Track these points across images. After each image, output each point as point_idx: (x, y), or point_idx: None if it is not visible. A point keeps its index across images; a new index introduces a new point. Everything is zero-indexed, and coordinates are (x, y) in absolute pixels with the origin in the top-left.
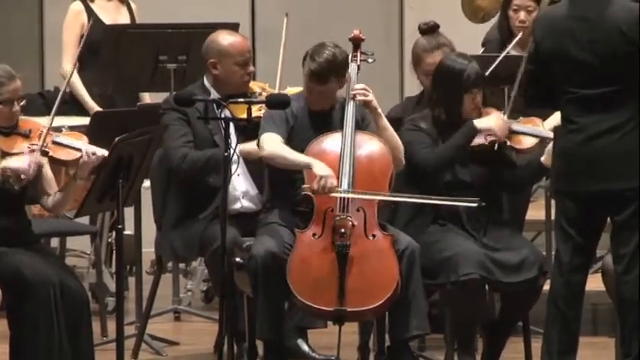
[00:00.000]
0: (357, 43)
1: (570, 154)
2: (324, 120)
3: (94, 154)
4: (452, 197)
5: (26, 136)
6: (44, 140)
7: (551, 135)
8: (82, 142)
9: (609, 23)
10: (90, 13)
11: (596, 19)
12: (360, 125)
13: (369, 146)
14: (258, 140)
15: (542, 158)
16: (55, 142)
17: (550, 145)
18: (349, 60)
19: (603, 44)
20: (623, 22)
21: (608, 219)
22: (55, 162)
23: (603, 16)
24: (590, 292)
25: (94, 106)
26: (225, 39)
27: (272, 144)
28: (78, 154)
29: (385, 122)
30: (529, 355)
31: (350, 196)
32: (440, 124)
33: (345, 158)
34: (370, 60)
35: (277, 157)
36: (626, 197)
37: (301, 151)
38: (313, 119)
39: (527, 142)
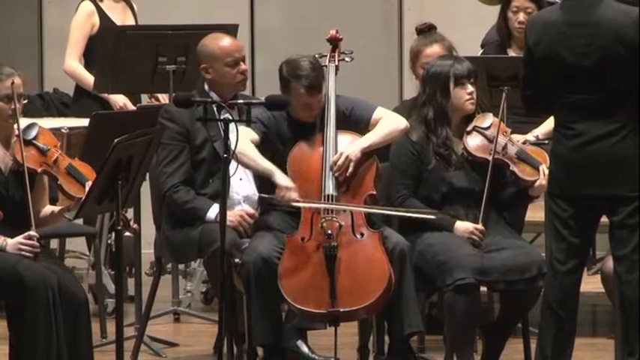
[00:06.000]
0: (334, 43)
1: (566, 159)
2: (307, 125)
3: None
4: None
5: (43, 152)
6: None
7: (544, 182)
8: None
9: (605, 27)
10: (101, 14)
11: (592, 23)
12: (348, 116)
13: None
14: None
15: (531, 190)
16: (68, 172)
17: (541, 181)
18: (327, 61)
19: (599, 49)
20: (620, 26)
21: (606, 219)
22: (60, 189)
23: (599, 21)
24: (590, 294)
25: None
26: (212, 43)
27: (246, 140)
28: (82, 195)
29: (375, 145)
30: (528, 356)
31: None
32: (429, 123)
33: (329, 161)
34: (347, 59)
35: (244, 156)
36: (623, 198)
37: (284, 158)
38: (294, 126)
39: (529, 174)
